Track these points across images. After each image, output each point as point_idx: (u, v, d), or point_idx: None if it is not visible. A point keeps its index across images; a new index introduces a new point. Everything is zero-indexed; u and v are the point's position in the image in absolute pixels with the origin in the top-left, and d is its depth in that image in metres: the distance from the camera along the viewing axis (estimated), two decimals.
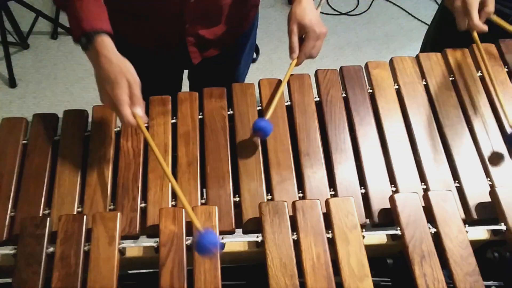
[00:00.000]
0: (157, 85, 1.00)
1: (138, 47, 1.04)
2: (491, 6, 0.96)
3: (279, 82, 0.95)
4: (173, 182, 0.73)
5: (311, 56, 0.92)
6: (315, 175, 0.84)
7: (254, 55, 2.31)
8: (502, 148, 0.88)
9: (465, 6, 0.93)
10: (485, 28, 0.95)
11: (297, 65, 0.93)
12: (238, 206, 0.81)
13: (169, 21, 0.98)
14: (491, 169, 0.86)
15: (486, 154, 0.87)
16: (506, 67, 0.99)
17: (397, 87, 0.96)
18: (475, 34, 0.97)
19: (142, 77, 0.85)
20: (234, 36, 1.12)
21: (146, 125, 0.85)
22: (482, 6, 0.95)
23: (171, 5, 0.94)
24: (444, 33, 1.26)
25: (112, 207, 0.81)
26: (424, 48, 1.39)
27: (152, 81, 0.92)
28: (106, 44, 0.76)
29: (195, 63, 1.08)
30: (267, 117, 0.85)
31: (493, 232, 0.80)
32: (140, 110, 0.76)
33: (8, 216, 0.79)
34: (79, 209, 0.80)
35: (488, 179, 0.85)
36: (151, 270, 0.83)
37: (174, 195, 0.81)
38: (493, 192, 0.80)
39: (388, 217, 0.80)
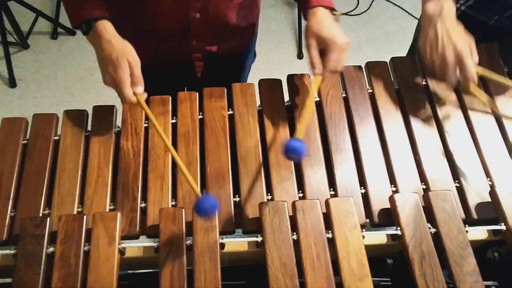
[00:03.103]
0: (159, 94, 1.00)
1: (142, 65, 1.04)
2: (476, 56, 0.84)
3: (307, 98, 0.87)
4: (174, 153, 0.75)
5: (336, 71, 0.84)
6: (315, 175, 0.84)
7: None
8: (502, 148, 0.88)
9: (459, 56, 0.81)
10: (476, 78, 0.84)
11: (322, 81, 0.85)
12: (238, 206, 0.81)
13: (175, 38, 0.98)
14: (491, 169, 0.86)
15: (486, 154, 0.87)
16: (507, 67, 0.99)
17: (397, 87, 0.96)
18: (473, 86, 0.86)
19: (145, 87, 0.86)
20: (241, 48, 1.12)
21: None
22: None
23: (177, 23, 0.95)
24: None
25: (112, 207, 0.80)
26: (413, 44, 1.38)
27: (154, 91, 0.92)
28: (107, 28, 0.81)
29: (200, 76, 1.08)
30: (300, 136, 0.77)
31: (493, 232, 0.80)
32: (141, 89, 0.80)
33: (8, 216, 0.79)
34: (79, 209, 0.80)
35: (488, 179, 0.85)
36: (151, 270, 0.83)
37: (174, 195, 0.82)
38: (493, 192, 0.80)
39: (388, 217, 0.80)
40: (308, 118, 0.84)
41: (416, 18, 2.55)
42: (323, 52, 0.84)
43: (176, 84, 1.06)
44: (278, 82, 0.95)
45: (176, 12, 0.92)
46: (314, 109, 0.91)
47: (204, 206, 0.68)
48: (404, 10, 2.59)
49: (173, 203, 0.81)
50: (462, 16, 1.08)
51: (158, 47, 1.02)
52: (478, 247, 0.82)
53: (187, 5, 0.91)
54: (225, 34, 1.03)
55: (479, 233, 0.80)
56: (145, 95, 0.82)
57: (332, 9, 0.88)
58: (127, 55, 0.79)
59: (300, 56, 2.36)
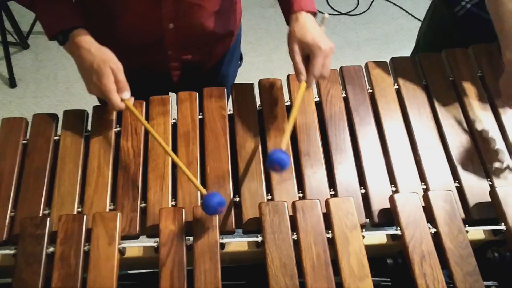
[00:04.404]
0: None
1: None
2: None
3: (290, 106, 0.87)
4: (175, 158, 0.77)
5: (322, 76, 0.81)
6: (315, 175, 0.84)
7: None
8: (502, 148, 0.88)
9: None
10: None
11: (307, 88, 0.82)
12: (238, 206, 0.81)
13: (151, 49, 0.97)
14: (491, 169, 0.85)
15: (486, 154, 0.87)
16: None
17: (397, 87, 0.96)
18: None
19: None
20: (220, 55, 1.10)
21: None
22: None
23: (151, 33, 0.93)
24: (436, 31, 1.26)
25: (112, 207, 0.80)
26: (417, 45, 1.39)
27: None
28: (84, 37, 0.80)
29: (177, 83, 1.05)
30: (284, 147, 0.75)
31: (493, 232, 0.80)
32: (127, 94, 0.81)
33: (8, 216, 0.78)
34: (79, 209, 0.80)
35: (488, 179, 0.85)
36: (151, 270, 0.83)
37: (174, 195, 0.82)
38: (493, 192, 0.80)
39: (388, 217, 0.80)
40: (291, 128, 0.80)
41: (416, 18, 2.55)
42: (307, 58, 0.81)
43: (153, 92, 1.04)
44: (278, 82, 0.95)
45: (149, 22, 0.91)
46: (313, 111, 0.91)
47: (212, 202, 0.69)
48: (404, 10, 2.60)
49: (173, 203, 0.81)
50: (466, 15, 1.07)
51: (134, 56, 0.99)
52: (478, 247, 0.82)
53: (159, 16, 0.89)
54: (202, 42, 1.01)
55: (479, 233, 0.80)
56: (132, 100, 0.83)
57: (315, 14, 0.86)
58: (108, 62, 0.78)
59: None
